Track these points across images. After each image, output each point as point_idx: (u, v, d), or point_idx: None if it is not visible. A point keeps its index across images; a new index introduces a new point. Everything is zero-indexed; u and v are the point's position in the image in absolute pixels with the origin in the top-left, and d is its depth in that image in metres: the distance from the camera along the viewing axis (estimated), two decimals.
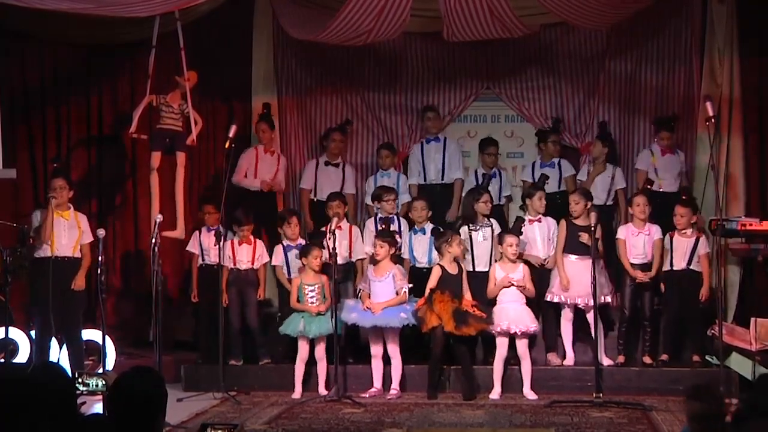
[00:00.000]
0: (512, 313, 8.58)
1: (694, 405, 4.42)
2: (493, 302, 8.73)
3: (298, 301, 8.80)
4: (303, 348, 8.74)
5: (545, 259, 9.14)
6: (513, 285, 8.61)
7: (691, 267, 8.93)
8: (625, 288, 9.04)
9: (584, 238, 8.80)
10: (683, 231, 8.96)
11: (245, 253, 9.33)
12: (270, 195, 10.11)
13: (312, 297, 8.78)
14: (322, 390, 8.65)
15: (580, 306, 8.88)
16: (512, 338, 8.58)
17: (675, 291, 8.96)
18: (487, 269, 8.97)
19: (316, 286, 8.79)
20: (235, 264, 9.29)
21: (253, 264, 9.31)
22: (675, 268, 8.95)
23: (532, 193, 9.23)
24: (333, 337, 8.62)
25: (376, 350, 8.73)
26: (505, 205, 10.17)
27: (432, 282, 8.61)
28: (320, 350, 8.74)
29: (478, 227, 9.11)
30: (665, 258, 9.01)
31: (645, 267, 9.01)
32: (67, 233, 8.81)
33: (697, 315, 8.93)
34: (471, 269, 8.99)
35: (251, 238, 9.37)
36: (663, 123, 9.89)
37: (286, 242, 9.26)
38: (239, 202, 9.74)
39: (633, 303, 9.04)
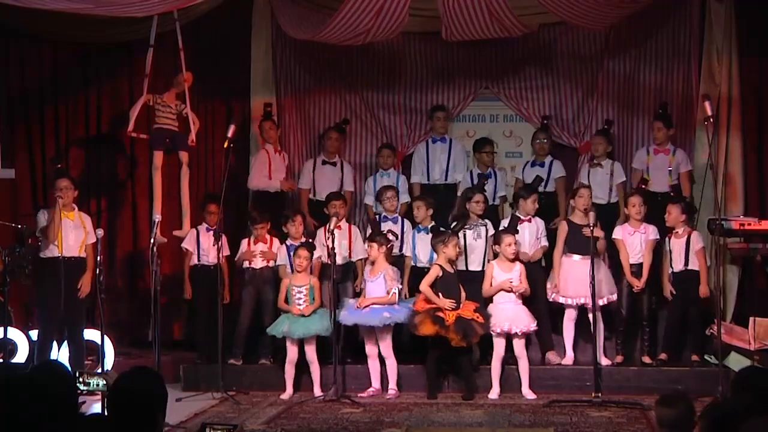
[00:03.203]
0: (511, 314, 8.58)
1: (663, 411, 4.38)
2: (487, 300, 8.74)
3: (286, 302, 8.80)
4: (291, 350, 8.71)
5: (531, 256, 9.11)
6: (512, 290, 8.61)
7: (688, 267, 8.90)
8: (623, 288, 9.02)
9: (588, 231, 8.77)
10: (675, 231, 8.96)
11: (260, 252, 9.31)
12: (285, 195, 10.11)
13: (299, 298, 8.76)
14: (317, 392, 8.61)
15: (581, 305, 8.85)
16: (509, 337, 8.58)
17: (677, 292, 8.93)
18: (480, 269, 8.98)
19: (304, 287, 8.77)
20: (250, 263, 9.29)
21: (268, 262, 9.30)
22: (674, 270, 8.94)
23: (525, 195, 9.21)
24: (327, 337, 8.61)
25: (371, 350, 8.72)
26: (500, 206, 10.09)
27: (429, 279, 8.58)
28: (310, 352, 8.70)
29: (471, 226, 9.10)
30: (665, 260, 9.00)
31: (642, 267, 8.99)
32: (74, 233, 8.78)
33: (698, 314, 8.90)
34: (464, 268, 8.99)
35: (267, 236, 9.36)
36: (657, 114, 9.83)
37: (289, 241, 9.24)
38: (265, 205, 9.77)
39: (630, 303, 9.03)
